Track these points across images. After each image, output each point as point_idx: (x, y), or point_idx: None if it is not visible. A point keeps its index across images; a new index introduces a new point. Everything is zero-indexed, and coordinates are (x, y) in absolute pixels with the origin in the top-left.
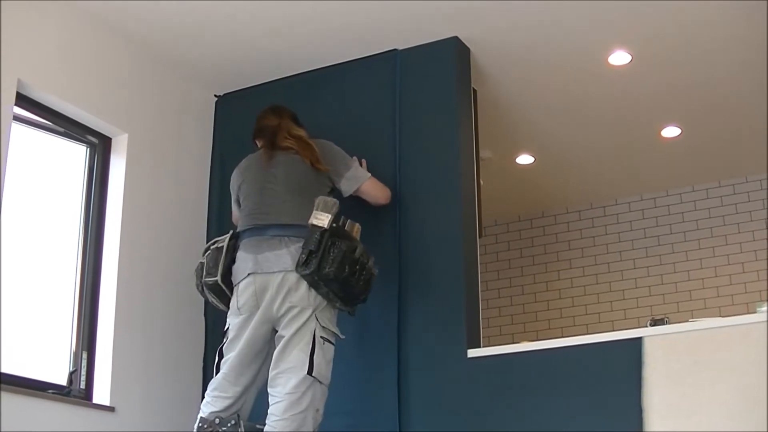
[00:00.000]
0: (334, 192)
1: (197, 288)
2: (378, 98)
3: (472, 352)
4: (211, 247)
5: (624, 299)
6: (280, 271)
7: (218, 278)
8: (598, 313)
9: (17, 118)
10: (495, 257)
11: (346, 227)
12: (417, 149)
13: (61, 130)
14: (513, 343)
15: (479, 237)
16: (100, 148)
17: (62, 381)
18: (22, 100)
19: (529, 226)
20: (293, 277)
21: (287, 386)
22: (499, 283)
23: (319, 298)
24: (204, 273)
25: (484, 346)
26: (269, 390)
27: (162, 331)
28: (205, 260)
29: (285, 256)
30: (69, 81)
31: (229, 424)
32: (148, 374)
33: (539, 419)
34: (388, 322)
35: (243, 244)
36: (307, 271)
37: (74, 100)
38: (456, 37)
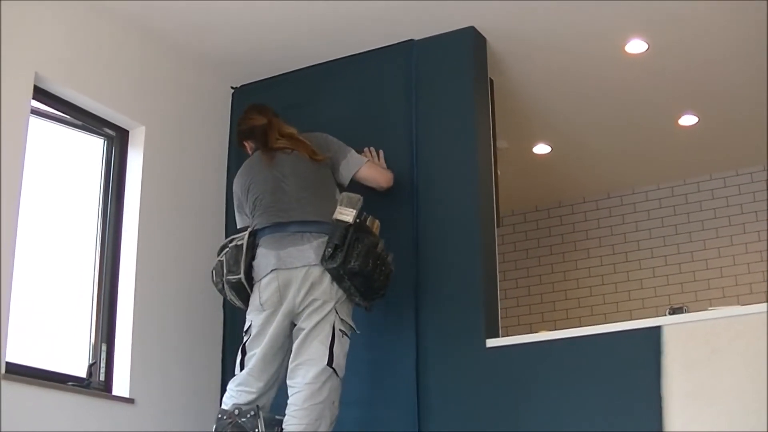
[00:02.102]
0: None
1: (217, 287)
2: (394, 89)
3: (491, 342)
4: (229, 245)
5: (642, 288)
6: (303, 266)
7: (241, 276)
8: (616, 302)
9: (35, 112)
10: (512, 247)
11: (367, 223)
12: (434, 140)
13: (79, 123)
14: (531, 332)
15: (497, 227)
16: (117, 141)
17: (82, 373)
18: (40, 93)
19: (546, 216)
20: (317, 271)
21: (307, 377)
22: (516, 273)
23: (341, 291)
24: (225, 271)
25: (502, 336)
26: (288, 382)
27: (181, 323)
28: (224, 258)
29: (308, 251)
30: (86, 74)
31: (248, 415)
32: (167, 366)
33: (558, 408)
34: (406, 312)
35: (263, 241)
36: (334, 265)
37: (91, 93)
38: (472, 27)
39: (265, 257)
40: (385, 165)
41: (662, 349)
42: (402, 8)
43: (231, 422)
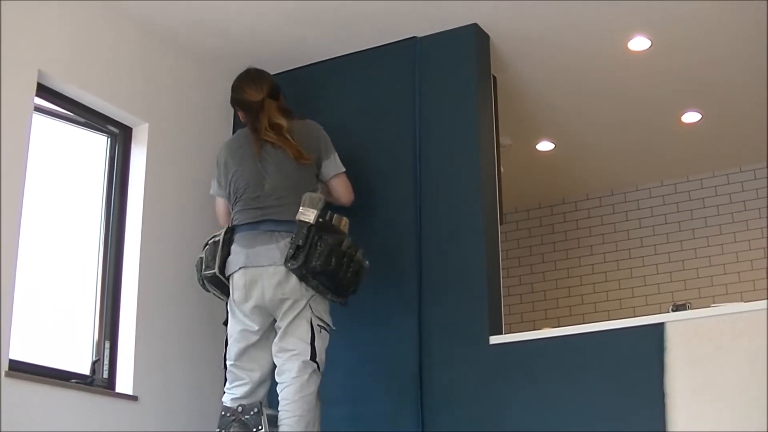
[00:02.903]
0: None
1: (198, 282)
2: (397, 86)
3: (495, 339)
4: (209, 242)
5: (645, 285)
6: (269, 265)
7: (215, 270)
8: (620, 299)
9: (38, 109)
10: (516, 244)
11: (333, 221)
12: (437, 137)
13: (82, 120)
14: (535, 329)
15: (500, 224)
16: (120, 138)
17: (85, 370)
18: (43, 90)
19: (549, 213)
20: (283, 270)
21: (293, 371)
22: (520, 270)
23: (311, 290)
24: (203, 266)
25: (505, 333)
26: (277, 379)
27: (184, 320)
28: (204, 254)
29: (274, 250)
30: (89, 71)
31: (252, 412)
32: (170, 363)
33: (561, 405)
34: (409, 309)
35: (237, 238)
36: (295, 265)
37: (95, 90)
38: (475, 24)
39: (236, 254)
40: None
41: (665, 346)
42: (405, 5)
43: (234, 419)
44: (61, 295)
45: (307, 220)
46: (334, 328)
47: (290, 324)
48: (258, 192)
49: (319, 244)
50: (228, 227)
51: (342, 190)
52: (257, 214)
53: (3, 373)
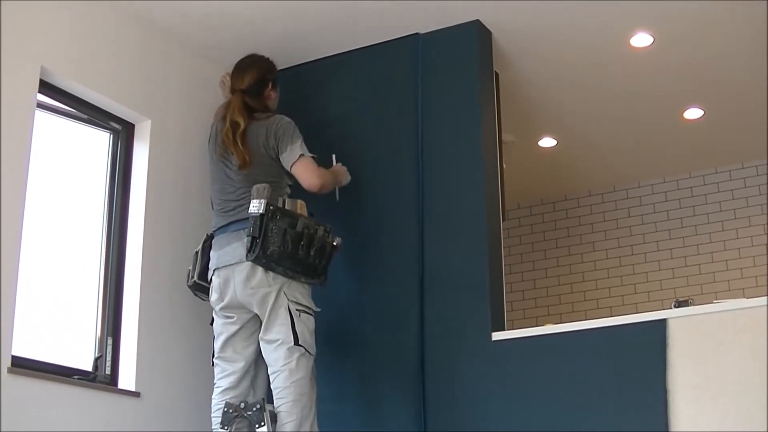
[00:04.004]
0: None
1: (192, 292)
2: (400, 83)
3: (497, 335)
4: (194, 253)
5: (648, 281)
6: (236, 263)
7: (195, 278)
8: (622, 295)
9: (41, 105)
10: (518, 240)
11: (287, 206)
12: (439, 133)
13: (84, 116)
14: (537, 326)
15: (502, 220)
16: (123, 135)
17: (88, 367)
18: (46, 87)
19: (552, 210)
20: (248, 265)
21: (280, 359)
22: (522, 266)
23: (279, 277)
24: (188, 277)
25: (508, 329)
26: (269, 371)
27: (186, 316)
28: (191, 266)
29: (239, 248)
30: (92, 67)
31: (254, 409)
32: (173, 359)
33: (564, 401)
34: (412, 305)
35: (213, 243)
36: (253, 256)
37: (97, 86)
38: (478, 21)
39: (211, 258)
40: (342, 172)
41: (668, 342)
42: (408, 2)
43: (237, 415)
44: (64, 291)
45: (256, 212)
46: (317, 309)
47: (269, 315)
48: (224, 195)
49: (272, 229)
50: (207, 235)
51: (304, 175)
52: (225, 217)
53: (6, 370)
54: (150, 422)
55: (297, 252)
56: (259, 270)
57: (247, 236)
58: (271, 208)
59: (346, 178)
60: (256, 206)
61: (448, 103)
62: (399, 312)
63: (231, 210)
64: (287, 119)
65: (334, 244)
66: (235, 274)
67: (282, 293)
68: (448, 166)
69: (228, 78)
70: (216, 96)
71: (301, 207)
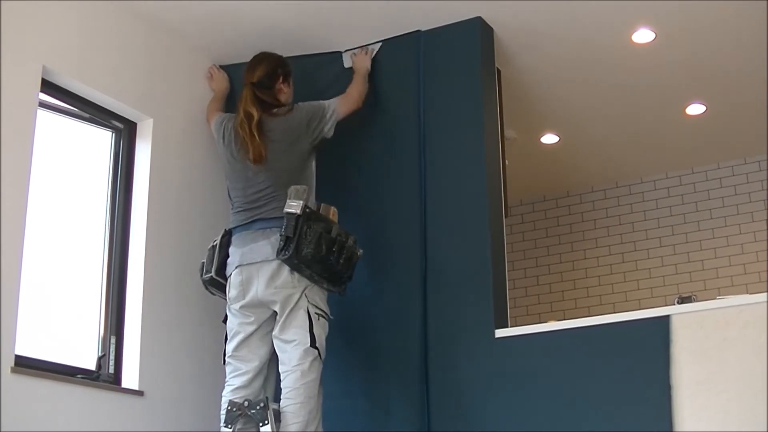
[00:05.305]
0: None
1: (203, 286)
2: (402, 80)
3: (500, 332)
4: (209, 247)
5: (650, 278)
6: (261, 261)
7: (213, 273)
8: (625, 291)
9: (43, 105)
10: (521, 237)
11: (321, 210)
12: (441, 130)
13: (87, 115)
14: (540, 322)
15: (505, 217)
16: (125, 133)
17: (91, 366)
18: (48, 86)
19: (554, 206)
20: (274, 264)
21: (294, 359)
22: (525, 263)
23: (304, 280)
24: (203, 271)
25: (511, 326)
26: (280, 369)
27: (190, 314)
28: (205, 259)
29: (266, 246)
30: (94, 66)
31: (258, 407)
32: (176, 358)
33: (567, 398)
34: (414, 302)
35: (234, 239)
36: (287, 255)
37: (99, 85)
38: (479, 17)
39: (232, 255)
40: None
41: (671, 339)
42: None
43: (240, 414)
44: (67, 290)
45: (294, 212)
46: (331, 317)
47: (288, 315)
48: (248, 192)
49: (307, 233)
50: (225, 230)
51: (350, 105)
52: (248, 215)
53: (9, 369)
54: (153, 421)
55: (329, 258)
56: (285, 270)
57: (281, 235)
58: (308, 210)
59: (364, 80)
60: (293, 207)
61: (450, 100)
62: (402, 309)
63: (252, 208)
64: (303, 103)
65: (358, 253)
66: (259, 272)
67: (304, 295)
68: (450, 163)
69: (215, 69)
70: None
71: (333, 213)
